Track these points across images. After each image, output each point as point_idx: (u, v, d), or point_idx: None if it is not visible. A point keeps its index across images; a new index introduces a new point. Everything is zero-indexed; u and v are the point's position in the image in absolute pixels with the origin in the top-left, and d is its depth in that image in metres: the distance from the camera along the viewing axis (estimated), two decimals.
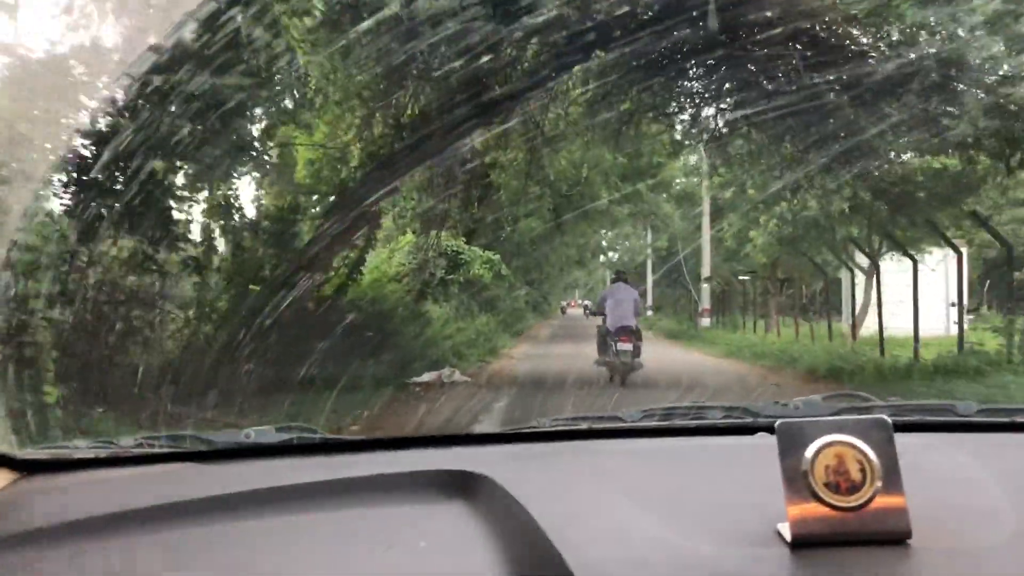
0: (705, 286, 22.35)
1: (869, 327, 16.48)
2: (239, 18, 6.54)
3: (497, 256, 14.49)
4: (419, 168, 9.46)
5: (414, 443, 1.52)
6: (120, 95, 6.50)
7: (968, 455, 1.25)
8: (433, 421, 7.60)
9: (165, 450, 1.43)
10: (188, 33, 5.67)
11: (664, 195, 22.87)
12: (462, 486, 1.14)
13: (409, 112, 9.37)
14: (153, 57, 5.77)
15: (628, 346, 9.49)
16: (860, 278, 19.12)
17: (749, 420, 1.50)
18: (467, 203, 16.46)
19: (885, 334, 14.31)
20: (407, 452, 1.45)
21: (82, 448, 1.45)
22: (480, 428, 6.45)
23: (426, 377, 9.87)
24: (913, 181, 11.06)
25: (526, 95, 10.85)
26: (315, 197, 9.42)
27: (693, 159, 23.31)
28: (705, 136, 13.44)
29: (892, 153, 11.39)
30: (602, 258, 45.48)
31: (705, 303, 22.35)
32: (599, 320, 10.49)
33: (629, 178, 20.85)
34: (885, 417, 0.95)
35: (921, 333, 12.82)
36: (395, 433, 6.35)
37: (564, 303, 44.79)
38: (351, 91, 9.14)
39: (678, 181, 23.21)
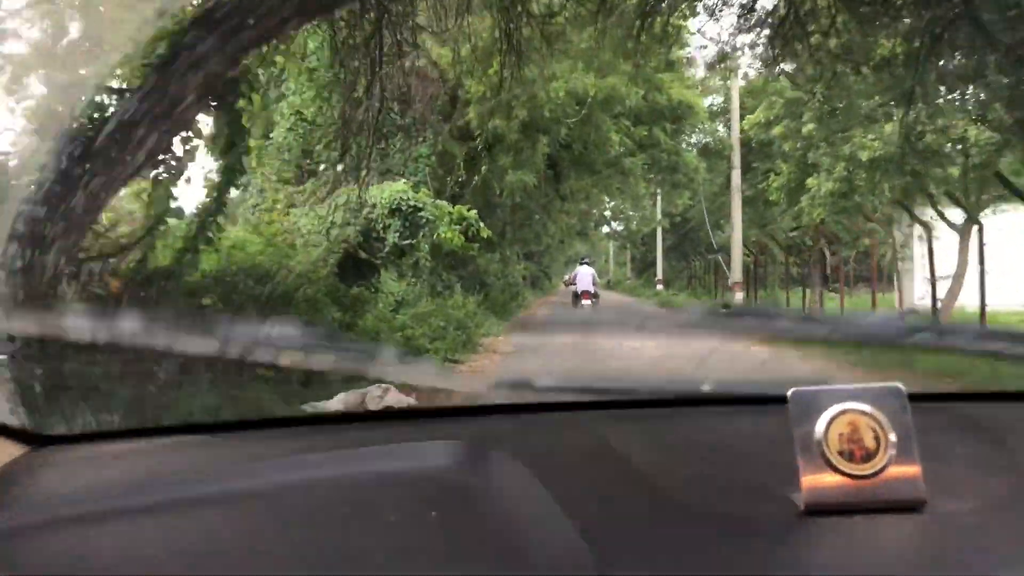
0: (736, 255, 18.34)
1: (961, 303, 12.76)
2: None
3: (473, 212, 10.52)
4: (305, 28, 5.49)
5: (423, 414, 1.55)
6: None
7: (982, 424, 1.24)
8: None
9: (180, 423, 1.48)
10: None
11: (686, 144, 18.81)
12: (473, 457, 1.14)
13: None
14: None
15: (588, 302, 14.43)
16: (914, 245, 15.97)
17: (762, 390, 1.44)
18: (436, 151, 12.42)
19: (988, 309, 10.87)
20: (416, 423, 1.49)
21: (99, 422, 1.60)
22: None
23: (336, 403, 5.90)
24: None
25: None
26: (126, 89, 5.40)
27: (721, 100, 19.30)
28: (761, 37, 9.45)
29: None
30: (605, 228, 41.47)
31: (737, 275, 18.34)
32: (573, 287, 15.29)
33: (644, 121, 16.83)
34: (899, 385, 0.94)
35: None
36: None
37: (567, 277, 41.44)
38: None
39: (701, 126, 19.13)
